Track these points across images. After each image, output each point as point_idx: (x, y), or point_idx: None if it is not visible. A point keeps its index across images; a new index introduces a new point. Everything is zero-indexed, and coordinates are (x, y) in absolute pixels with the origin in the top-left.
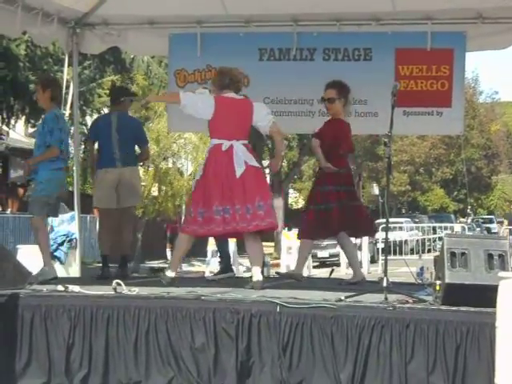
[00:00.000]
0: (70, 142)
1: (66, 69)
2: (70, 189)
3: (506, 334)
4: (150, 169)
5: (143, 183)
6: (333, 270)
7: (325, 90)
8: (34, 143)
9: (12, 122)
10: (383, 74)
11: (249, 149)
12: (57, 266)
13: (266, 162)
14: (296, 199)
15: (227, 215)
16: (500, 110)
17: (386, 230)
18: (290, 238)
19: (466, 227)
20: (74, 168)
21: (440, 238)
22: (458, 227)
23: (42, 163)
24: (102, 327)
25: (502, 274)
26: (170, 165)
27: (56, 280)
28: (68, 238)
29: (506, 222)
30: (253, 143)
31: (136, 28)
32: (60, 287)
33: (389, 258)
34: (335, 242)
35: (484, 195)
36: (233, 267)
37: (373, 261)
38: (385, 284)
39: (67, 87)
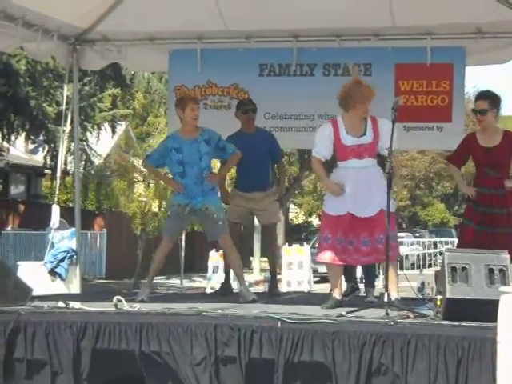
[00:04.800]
0: None
1: (66, 85)
2: (71, 205)
3: (507, 348)
4: (150, 185)
5: (144, 199)
6: None
7: (475, 101)
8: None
9: (12, 138)
10: (383, 89)
11: None
12: (58, 282)
13: None
14: (297, 214)
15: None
16: (500, 125)
17: (387, 244)
18: (291, 254)
19: None
20: (75, 184)
21: (441, 253)
22: None
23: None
24: (103, 343)
25: (502, 288)
26: None
27: None
28: (69, 255)
29: None
30: None
31: (136, 44)
32: (61, 304)
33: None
34: None
35: None
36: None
37: None
38: (386, 299)
39: (67, 103)
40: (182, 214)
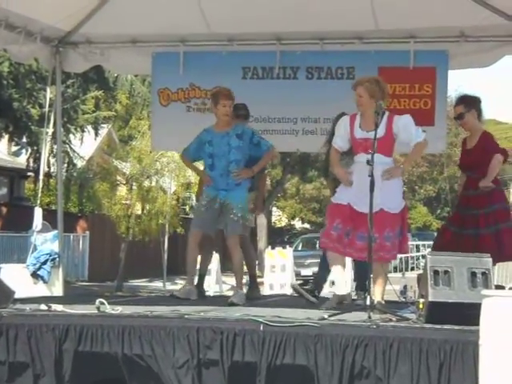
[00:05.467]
0: None
1: (49, 87)
2: (54, 207)
3: (489, 351)
4: (133, 187)
5: (127, 202)
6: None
7: (454, 109)
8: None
9: None
10: None
11: None
12: (40, 284)
13: None
14: (279, 217)
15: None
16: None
17: (370, 247)
18: (273, 257)
19: None
20: (58, 186)
21: (423, 256)
22: None
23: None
24: (85, 346)
25: (485, 291)
26: (154, 183)
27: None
28: (51, 257)
29: None
30: None
31: (119, 47)
32: (43, 306)
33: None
34: (319, 261)
35: None
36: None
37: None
38: (368, 302)
39: (50, 105)
40: (212, 207)
